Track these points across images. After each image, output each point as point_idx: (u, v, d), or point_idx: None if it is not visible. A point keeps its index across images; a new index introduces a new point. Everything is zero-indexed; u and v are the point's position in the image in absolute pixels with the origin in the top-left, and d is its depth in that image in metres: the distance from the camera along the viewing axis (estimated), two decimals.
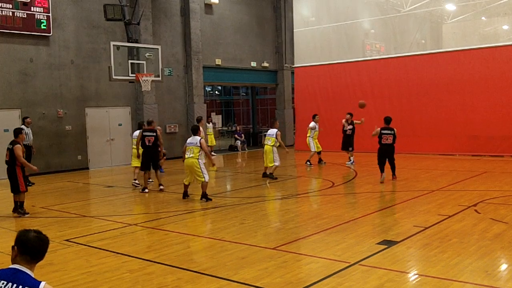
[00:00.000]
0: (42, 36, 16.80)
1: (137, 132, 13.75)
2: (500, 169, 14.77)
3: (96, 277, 6.12)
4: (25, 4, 16.19)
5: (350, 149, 16.88)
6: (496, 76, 17.80)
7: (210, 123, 23.16)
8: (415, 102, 19.56)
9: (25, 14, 16.23)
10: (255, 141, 27.96)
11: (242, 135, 26.20)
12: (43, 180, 15.44)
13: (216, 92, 39.22)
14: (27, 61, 16.65)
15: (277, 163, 14.18)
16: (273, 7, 25.88)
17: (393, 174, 13.05)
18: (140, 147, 12.84)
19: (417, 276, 5.90)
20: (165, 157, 16.43)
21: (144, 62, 16.40)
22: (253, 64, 24.72)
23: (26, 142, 12.84)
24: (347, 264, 6.21)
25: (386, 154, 12.79)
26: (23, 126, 13.83)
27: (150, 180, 13.22)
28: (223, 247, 7.29)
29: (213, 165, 12.90)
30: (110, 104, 18.92)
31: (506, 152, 17.42)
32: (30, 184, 14.10)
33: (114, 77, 15.58)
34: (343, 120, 16.93)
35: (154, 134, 12.65)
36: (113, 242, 7.82)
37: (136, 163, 13.54)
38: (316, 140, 17.15)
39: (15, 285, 2.89)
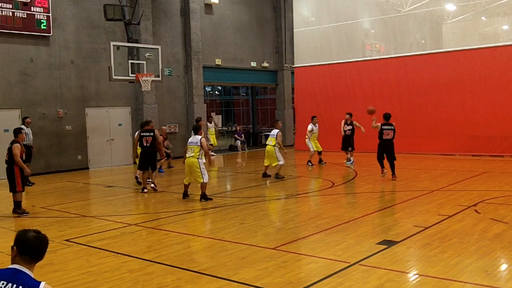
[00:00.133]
0: (42, 36, 16.80)
1: None
2: (500, 169, 14.77)
3: (96, 277, 6.12)
4: (25, 4, 16.18)
5: (350, 149, 16.90)
6: (496, 76, 17.79)
7: (212, 122, 23.16)
8: (415, 102, 19.54)
9: (25, 14, 16.22)
10: (255, 141, 27.92)
11: (242, 135, 26.18)
12: (43, 180, 15.45)
13: (216, 92, 39.21)
14: (27, 61, 16.65)
15: (281, 162, 14.19)
16: (273, 7, 25.86)
17: (393, 173, 13.07)
18: (138, 147, 12.89)
19: (417, 276, 5.90)
20: (167, 158, 16.44)
21: (144, 62, 16.40)
22: (253, 64, 24.71)
23: (26, 142, 12.85)
24: (347, 264, 6.21)
25: (386, 150, 13.03)
26: (23, 126, 13.83)
27: (150, 180, 13.22)
28: (223, 247, 7.29)
29: (210, 164, 12.91)
30: (110, 104, 18.91)
31: (506, 152, 17.41)
32: (30, 184, 14.12)
33: (114, 77, 15.58)
34: (342, 122, 16.96)
35: (152, 134, 12.66)
36: (113, 242, 7.82)
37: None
38: (316, 141, 17.13)
39: (14, 285, 2.89)
